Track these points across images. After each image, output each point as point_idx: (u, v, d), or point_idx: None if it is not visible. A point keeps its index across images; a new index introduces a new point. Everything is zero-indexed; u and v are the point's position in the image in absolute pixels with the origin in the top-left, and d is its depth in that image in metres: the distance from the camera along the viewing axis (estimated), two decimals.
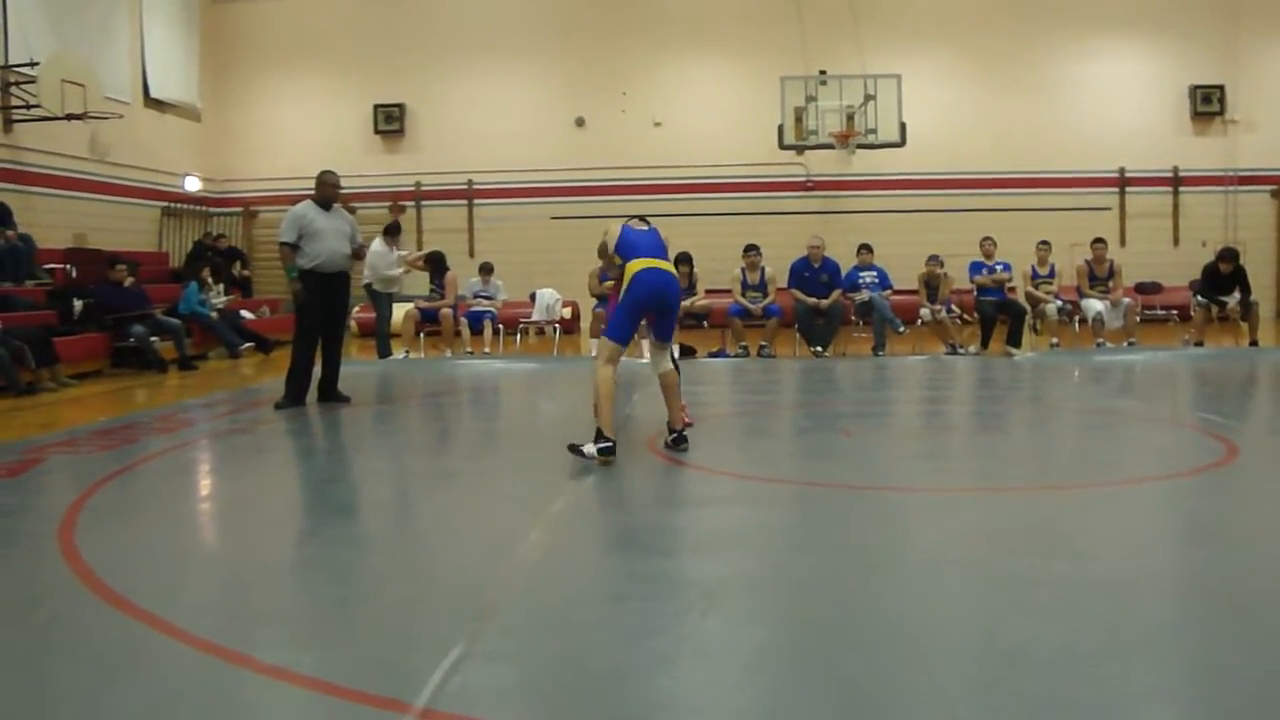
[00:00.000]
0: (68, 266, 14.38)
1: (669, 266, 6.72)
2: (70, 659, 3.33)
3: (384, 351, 13.48)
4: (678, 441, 6.69)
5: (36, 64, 13.88)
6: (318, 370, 9.39)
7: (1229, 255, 13.85)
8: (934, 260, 14.07)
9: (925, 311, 13.75)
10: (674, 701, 2.96)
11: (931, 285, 13.99)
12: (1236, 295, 13.64)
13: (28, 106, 14.11)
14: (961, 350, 13.42)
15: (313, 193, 9.29)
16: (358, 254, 9.63)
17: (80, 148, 15.65)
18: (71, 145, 15.40)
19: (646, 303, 6.58)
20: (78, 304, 13.02)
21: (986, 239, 14.20)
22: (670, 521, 5.27)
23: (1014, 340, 13.36)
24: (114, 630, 3.58)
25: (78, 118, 14.29)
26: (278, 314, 16.75)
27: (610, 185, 19.20)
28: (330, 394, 9.43)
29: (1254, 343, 13.48)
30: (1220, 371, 11.84)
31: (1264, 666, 3.11)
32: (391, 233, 13.84)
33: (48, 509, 5.48)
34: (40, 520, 5.23)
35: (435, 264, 14.24)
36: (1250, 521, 5.08)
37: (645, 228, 6.82)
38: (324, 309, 9.25)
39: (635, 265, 6.54)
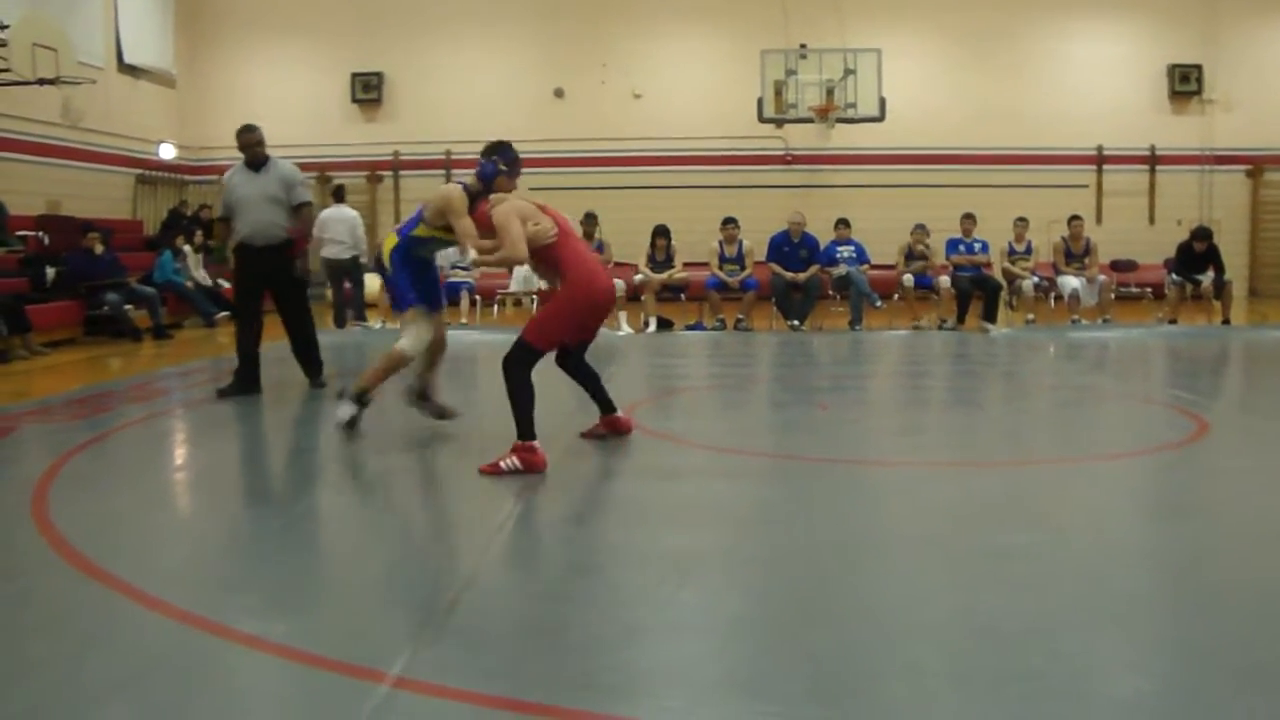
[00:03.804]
0: (40, 234, 14.21)
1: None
2: (45, 629, 3.33)
3: (341, 321, 13.68)
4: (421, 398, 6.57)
5: (6, 27, 13.64)
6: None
7: (1203, 234, 13.93)
8: (920, 229, 14.11)
9: (907, 278, 13.78)
10: (647, 672, 2.98)
11: (913, 255, 14.03)
12: (1210, 274, 13.74)
13: None
14: (941, 325, 13.47)
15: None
16: (301, 213, 8.37)
17: (53, 113, 15.42)
18: (44, 111, 15.17)
19: None
20: (50, 271, 12.89)
21: (967, 216, 14.19)
22: (645, 493, 5.28)
23: (989, 315, 13.42)
24: (88, 599, 3.58)
25: (50, 83, 14.08)
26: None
27: (589, 157, 19.11)
28: (309, 368, 8.64)
29: (1226, 321, 13.59)
30: (1193, 349, 11.94)
31: (1232, 640, 3.16)
32: (340, 197, 14.12)
33: (21, 478, 5.44)
34: (13, 489, 5.20)
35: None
36: (1219, 497, 5.14)
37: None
38: (261, 287, 8.31)
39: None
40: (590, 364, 6.17)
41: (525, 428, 5.43)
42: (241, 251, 8.24)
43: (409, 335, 6.09)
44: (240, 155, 8.41)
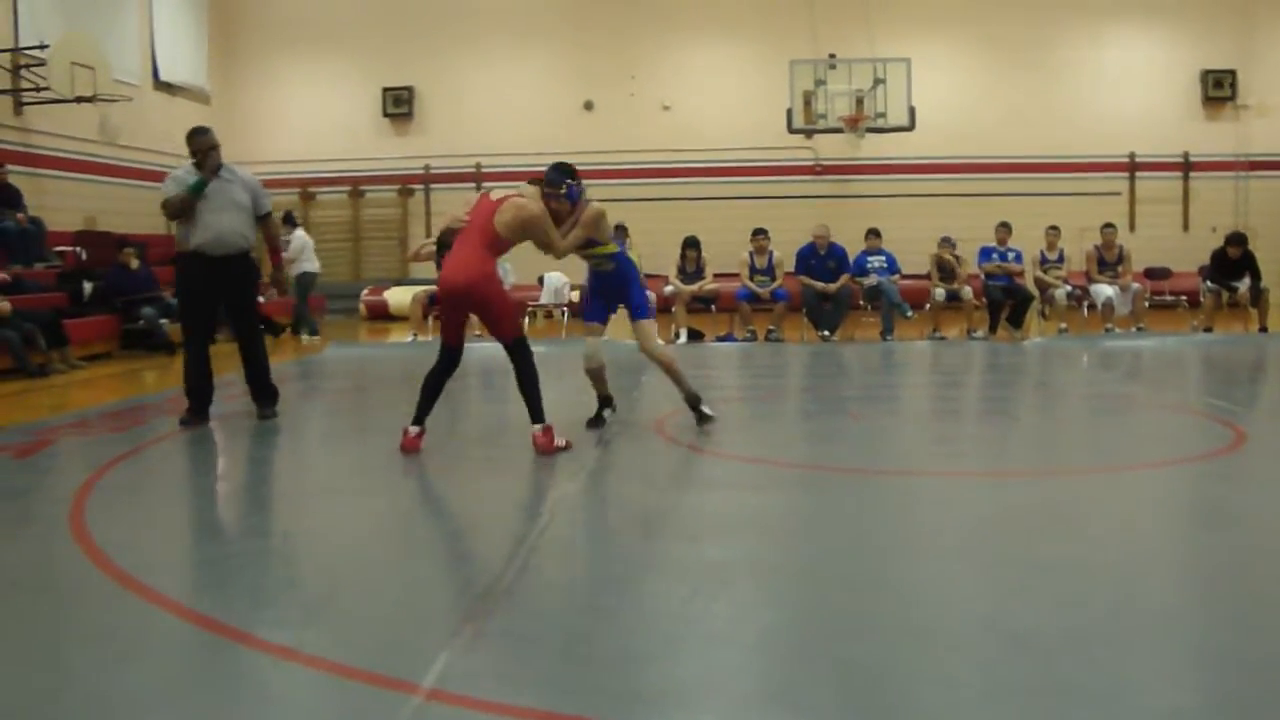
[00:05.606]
0: (78, 249, 14.41)
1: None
2: (81, 640, 3.36)
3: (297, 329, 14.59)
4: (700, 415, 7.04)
5: (46, 47, 13.88)
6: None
7: (1237, 240, 13.78)
8: (946, 243, 14.05)
9: (939, 292, 13.71)
10: (680, 684, 2.97)
11: (945, 268, 13.97)
12: (1246, 281, 13.60)
13: (37, 89, 14.10)
14: (970, 335, 13.40)
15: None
16: (268, 223, 7.79)
17: (90, 131, 15.65)
18: (81, 128, 15.40)
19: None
20: (87, 286, 13.07)
21: (1002, 225, 14.12)
22: (678, 504, 5.28)
23: (1015, 320, 13.40)
24: (124, 611, 3.61)
25: (87, 100, 14.29)
26: (286, 296, 16.83)
27: (618, 169, 19.14)
28: (262, 395, 7.79)
29: (1263, 329, 13.43)
30: (1229, 357, 11.81)
31: (1268, 652, 3.12)
32: (292, 222, 15.49)
33: (58, 490, 5.52)
34: (51, 501, 5.27)
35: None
36: (1256, 507, 5.07)
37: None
38: (213, 301, 7.55)
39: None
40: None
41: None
42: (194, 261, 7.32)
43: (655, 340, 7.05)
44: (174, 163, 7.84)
